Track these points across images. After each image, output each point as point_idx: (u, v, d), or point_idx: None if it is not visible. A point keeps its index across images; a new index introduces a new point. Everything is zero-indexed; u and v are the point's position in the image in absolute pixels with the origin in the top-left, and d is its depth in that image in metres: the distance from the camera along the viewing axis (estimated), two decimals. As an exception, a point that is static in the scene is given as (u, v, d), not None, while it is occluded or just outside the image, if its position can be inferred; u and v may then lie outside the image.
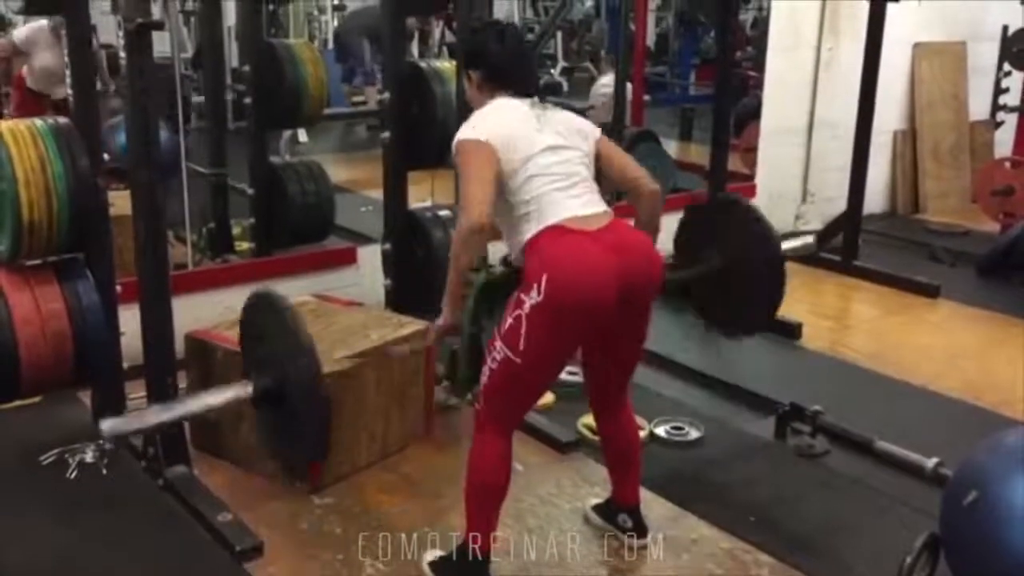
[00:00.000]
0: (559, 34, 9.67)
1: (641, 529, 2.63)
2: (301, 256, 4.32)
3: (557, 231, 2.26)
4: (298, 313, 2.13)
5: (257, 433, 2.19)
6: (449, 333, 2.47)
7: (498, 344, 2.26)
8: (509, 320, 2.24)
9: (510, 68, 2.45)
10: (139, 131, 2.72)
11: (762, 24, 6.70)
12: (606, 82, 7.89)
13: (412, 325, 3.21)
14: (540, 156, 2.32)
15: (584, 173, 2.39)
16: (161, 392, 2.86)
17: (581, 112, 8.18)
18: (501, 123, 2.35)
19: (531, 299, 2.19)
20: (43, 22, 5.23)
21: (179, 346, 3.01)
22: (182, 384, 3.02)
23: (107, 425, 2.02)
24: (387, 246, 3.80)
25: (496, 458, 2.34)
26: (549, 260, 2.22)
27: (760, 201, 5.73)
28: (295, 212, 4.54)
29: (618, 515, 2.65)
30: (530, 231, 2.28)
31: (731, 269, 2.71)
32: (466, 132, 2.34)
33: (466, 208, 2.23)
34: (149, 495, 2.83)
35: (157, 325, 2.84)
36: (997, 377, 3.90)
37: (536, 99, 2.44)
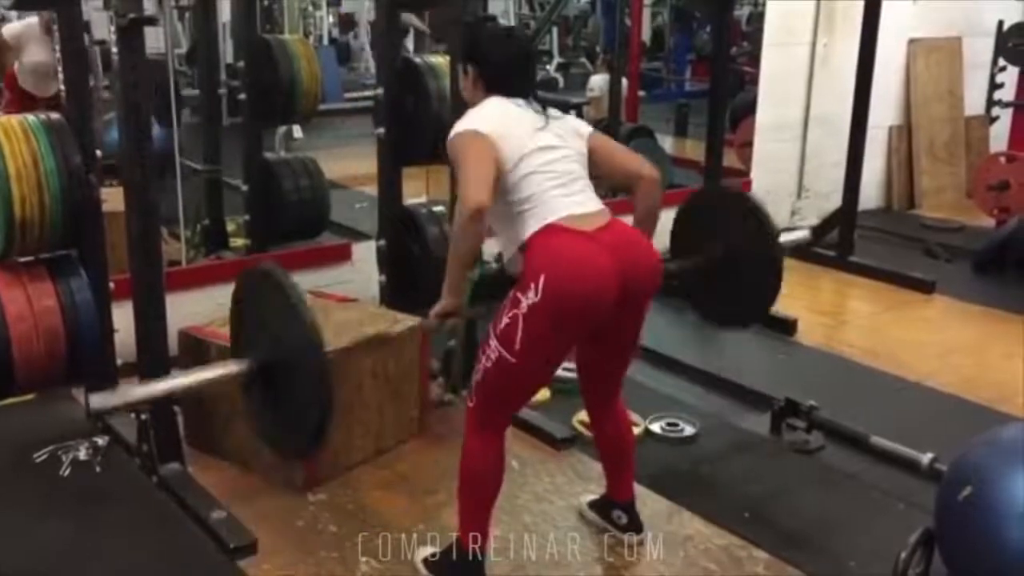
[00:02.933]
0: (555, 30, 9.66)
1: (636, 525, 2.63)
2: (296, 252, 4.31)
3: (555, 230, 2.24)
4: (296, 287, 2.09)
5: (249, 419, 2.15)
6: (449, 317, 2.39)
7: (493, 343, 2.24)
8: (505, 319, 2.21)
9: (511, 71, 2.42)
10: (131, 127, 2.71)
11: (757, 20, 6.70)
12: (598, 80, 7.90)
13: (407, 321, 3.20)
14: (535, 154, 2.31)
15: (580, 172, 2.38)
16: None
17: (578, 107, 8.21)
18: (498, 120, 2.33)
19: (528, 299, 2.17)
20: (34, 19, 5.20)
21: (173, 343, 3.00)
22: (176, 381, 3.01)
23: (95, 400, 2.00)
24: (381, 242, 3.79)
25: (488, 456, 2.33)
26: (547, 260, 2.20)
27: (755, 196, 5.75)
28: (289, 208, 4.54)
29: (613, 511, 2.65)
30: (528, 230, 2.26)
31: (728, 260, 2.71)
32: (463, 125, 2.32)
33: (464, 191, 2.18)
34: (143, 492, 2.82)
35: (150, 322, 2.83)
36: (992, 373, 3.90)
37: (531, 100, 2.41)
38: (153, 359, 2.84)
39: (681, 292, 2.83)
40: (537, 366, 2.30)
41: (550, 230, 2.24)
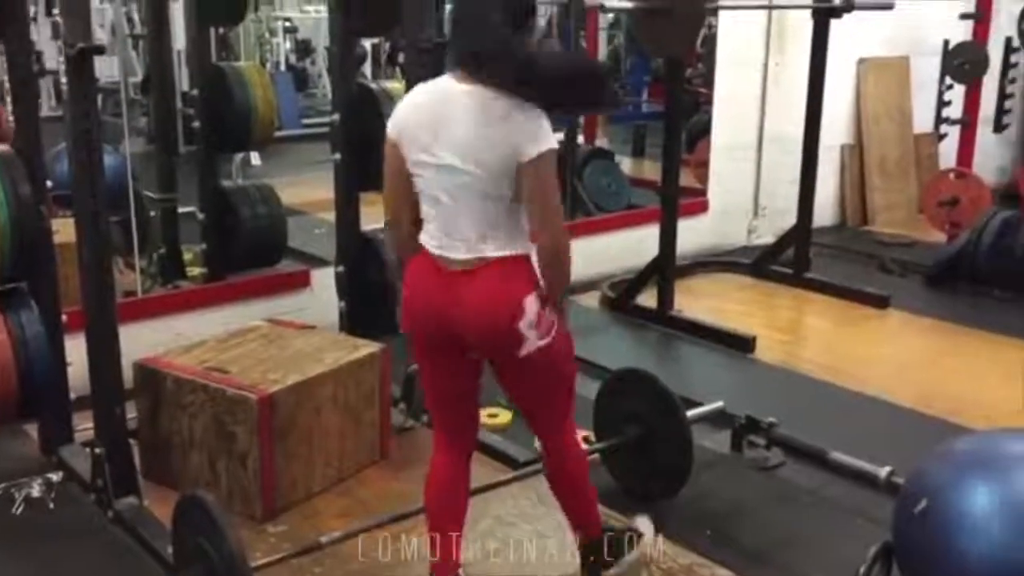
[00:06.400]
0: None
1: (607, 561, 2.46)
2: (254, 280, 4.28)
3: (423, 257, 2.17)
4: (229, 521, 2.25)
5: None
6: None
7: None
8: None
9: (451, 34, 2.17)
10: (82, 156, 2.67)
11: (711, 42, 6.80)
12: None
13: (366, 348, 3.19)
14: (430, 170, 2.09)
15: (472, 202, 2.07)
16: (109, 423, 2.80)
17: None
18: (401, 112, 2.16)
19: None
20: None
21: (129, 375, 2.96)
22: (131, 414, 2.96)
23: None
24: (340, 269, 3.78)
25: (432, 479, 2.31)
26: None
27: (712, 215, 5.82)
28: (247, 236, 4.50)
29: (587, 556, 2.45)
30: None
31: (644, 440, 2.92)
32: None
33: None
34: (98, 528, 2.77)
35: (104, 354, 2.79)
36: (947, 385, 3.96)
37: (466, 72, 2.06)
38: (107, 392, 2.80)
39: (610, 470, 3.02)
40: (426, 377, 2.32)
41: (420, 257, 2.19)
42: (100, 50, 2.61)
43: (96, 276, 2.75)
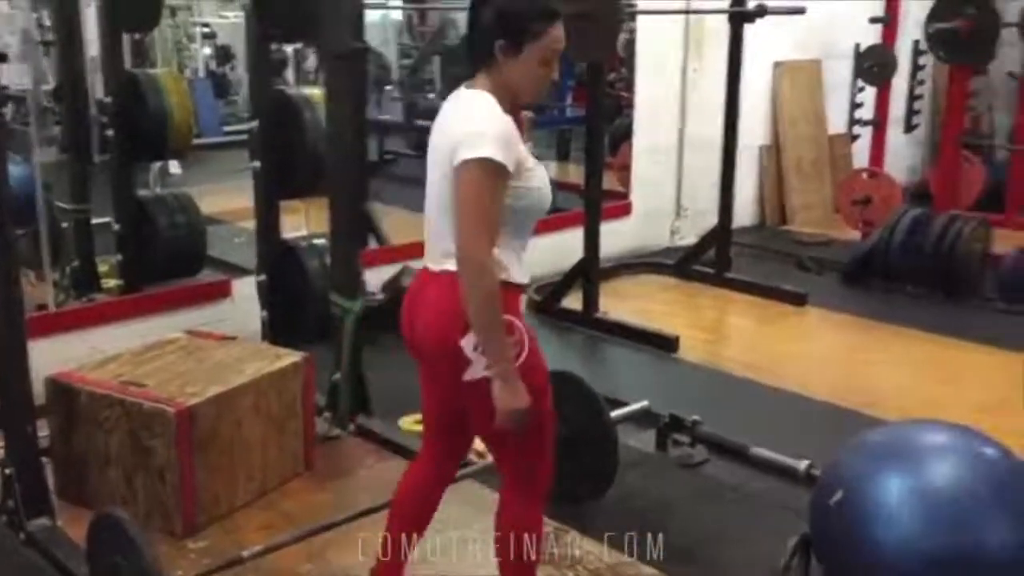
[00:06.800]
0: (437, 59, 9.69)
1: None
2: (172, 291, 4.20)
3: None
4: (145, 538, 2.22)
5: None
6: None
7: None
8: None
9: None
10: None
11: (632, 46, 6.89)
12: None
13: (289, 357, 3.14)
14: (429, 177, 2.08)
15: (432, 214, 2.05)
16: (19, 442, 2.71)
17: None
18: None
19: None
20: None
21: (41, 391, 2.87)
22: (43, 431, 2.87)
23: None
24: (262, 278, 3.72)
25: (415, 478, 2.30)
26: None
27: (636, 218, 5.90)
28: (165, 246, 4.41)
29: None
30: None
31: (571, 441, 2.90)
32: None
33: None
34: (10, 551, 2.67)
35: (12, 370, 2.68)
36: (862, 378, 4.08)
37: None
38: (16, 410, 2.70)
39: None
40: (424, 398, 2.25)
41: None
42: (3, 58, 2.53)
43: (2, 290, 2.65)
